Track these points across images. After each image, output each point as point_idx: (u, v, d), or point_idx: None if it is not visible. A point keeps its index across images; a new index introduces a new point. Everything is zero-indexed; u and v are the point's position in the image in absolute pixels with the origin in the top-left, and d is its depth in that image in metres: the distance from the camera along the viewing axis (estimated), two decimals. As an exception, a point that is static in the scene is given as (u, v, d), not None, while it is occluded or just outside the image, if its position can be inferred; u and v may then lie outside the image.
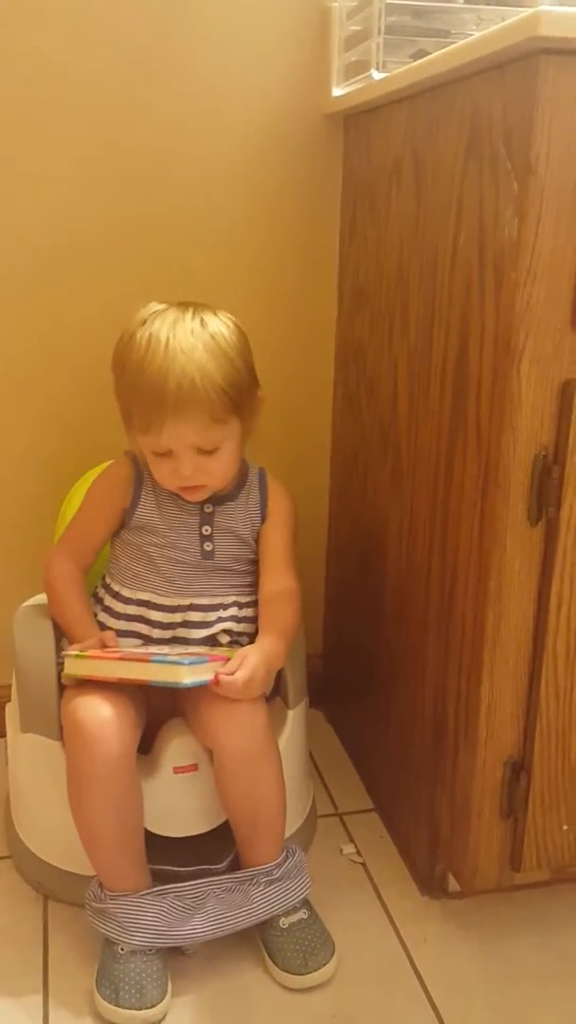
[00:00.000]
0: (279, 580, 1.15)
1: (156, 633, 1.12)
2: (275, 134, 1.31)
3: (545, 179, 0.82)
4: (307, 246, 1.37)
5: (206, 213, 1.32)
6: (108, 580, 1.18)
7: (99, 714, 1.01)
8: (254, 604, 1.15)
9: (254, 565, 1.17)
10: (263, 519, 1.17)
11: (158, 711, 1.12)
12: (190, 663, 0.99)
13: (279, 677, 1.19)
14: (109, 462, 1.20)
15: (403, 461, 1.16)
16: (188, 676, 0.99)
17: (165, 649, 1.09)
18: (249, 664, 1.02)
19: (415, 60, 1.07)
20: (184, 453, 1.05)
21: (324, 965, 1.04)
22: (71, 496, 1.27)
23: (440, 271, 1.01)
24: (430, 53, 1.00)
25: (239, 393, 1.05)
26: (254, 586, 1.16)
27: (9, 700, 1.24)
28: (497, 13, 1.14)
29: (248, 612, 1.15)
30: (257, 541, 1.16)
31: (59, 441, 1.36)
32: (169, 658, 1.00)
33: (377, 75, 1.15)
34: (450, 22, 1.16)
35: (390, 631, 1.24)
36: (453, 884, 1.14)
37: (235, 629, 1.13)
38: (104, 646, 1.08)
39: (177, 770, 1.08)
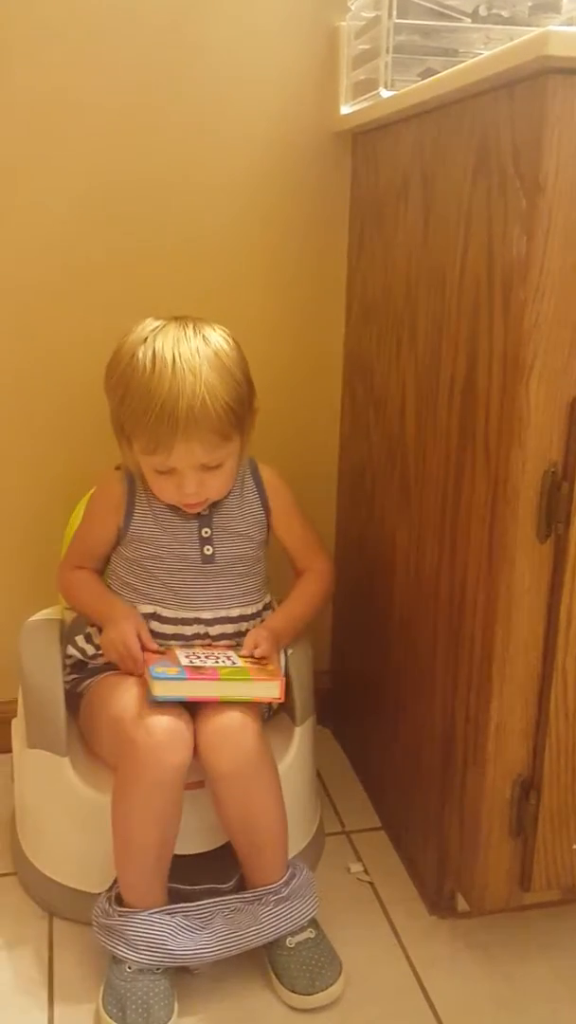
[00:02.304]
0: (305, 562, 1.20)
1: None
2: (284, 152, 1.32)
3: (553, 197, 0.82)
4: (315, 263, 1.37)
5: (215, 230, 1.32)
6: None
7: (166, 724, 1.01)
8: (259, 614, 1.16)
9: (258, 565, 1.17)
10: (266, 511, 1.17)
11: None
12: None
13: (287, 694, 1.19)
14: (103, 478, 1.19)
15: (411, 478, 1.16)
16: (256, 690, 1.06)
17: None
18: (265, 647, 1.09)
19: (423, 79, 1.07)
20: (189, 471, 1.06)
21: (331, 985, 1.04)
22: (76, 514, 1.27)
23: (448, 289, 1.02)
24: (438, 72, 1.00)
25: (243, 408, 1.07)
26: (260, 591, 1.17)
27: (15, 716, 1.24)
28: (505, 33, 1.15)
29: (254, 624, 1.15)
30: (269, 534, 1.18)
31: (63, 459, 1.36)
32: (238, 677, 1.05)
33: (386, 93, 1.16)
34: (458, 41, 1.16)
35: (398, 648, 1.23)
36: (462, 904, 1.13)
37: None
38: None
39: (185, 787, 1.08)
